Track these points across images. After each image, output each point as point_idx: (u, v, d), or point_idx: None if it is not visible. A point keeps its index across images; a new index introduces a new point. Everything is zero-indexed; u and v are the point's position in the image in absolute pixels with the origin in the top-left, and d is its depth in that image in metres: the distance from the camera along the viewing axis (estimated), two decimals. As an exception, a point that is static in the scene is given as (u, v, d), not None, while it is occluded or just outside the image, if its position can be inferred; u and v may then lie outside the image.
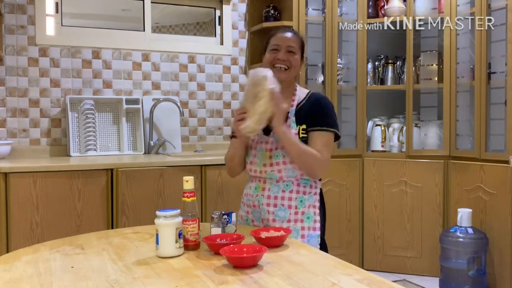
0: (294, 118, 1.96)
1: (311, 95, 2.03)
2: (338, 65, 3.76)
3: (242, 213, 2.09)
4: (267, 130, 1.95)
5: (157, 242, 1.55)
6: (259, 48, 3.58)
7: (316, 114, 1.96)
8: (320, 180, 2.04)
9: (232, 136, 2.09)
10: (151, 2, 3.71)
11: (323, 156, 1.91)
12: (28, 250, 1.66)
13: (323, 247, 1.99)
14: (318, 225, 1.98)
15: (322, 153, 1.91)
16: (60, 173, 2.82)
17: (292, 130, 1.93)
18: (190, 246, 1.61)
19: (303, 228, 1.95)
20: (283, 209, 1.95)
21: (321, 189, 2.06)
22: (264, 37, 2.12)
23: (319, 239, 1.98)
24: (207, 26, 4.06)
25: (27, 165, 2.83)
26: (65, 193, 2.81)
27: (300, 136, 1.93)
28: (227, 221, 1.81)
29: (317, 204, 2.00)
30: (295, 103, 1.99)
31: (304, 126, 1.95)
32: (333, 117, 2.00)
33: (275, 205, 1.95)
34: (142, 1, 3.69)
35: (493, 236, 3.26)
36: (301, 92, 2.04)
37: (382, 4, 3.78)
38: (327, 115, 1.98)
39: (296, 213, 1.95)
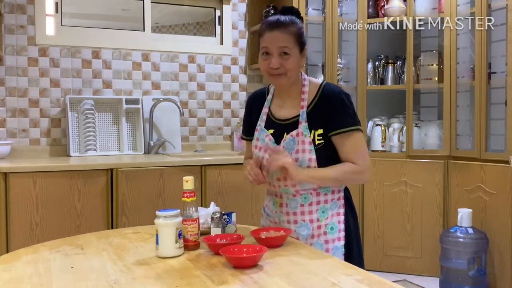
0: (306, 124, 1.73)
1: (324, 90, 1.77)
2: (338, 65, 3.76)
3: (264, 224, 1.92)
4: (278, 140, 1.77)
5: (157, 242, 1.55)
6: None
7: (334, 116, 1.73)
8: None
9: (244, 138, 1.97)
10: (151, 2, 3.70)
11: (361, 162, 1.72)
12: (28, 250, 1.66)
13: (351, 256, 1.77)
14: (342, 234, 1.77)
15: (358, 160, 1.71)
16: (60, 173, 2.82)
17: (305, 139, 1.71)
18: (190, 246, 1.61)
19: (326, 242, 1.76)
20: (304, 225, 1.77)
21: (347, 189, 1.85)
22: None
23: (344, 249, 1.77)
24: (207, 26, 4.05)
25: (27, 165, 2.83)
26: (65, 193, 2.81)
27: (316, 143, 1.71)
28: (227, 221, 1.81)
29: (342, 210, 1.79)
30: (305, 103, 1.75)
31: (320, 131, 1.72)
32: (353, 112, 1.75)
33: (295, 222, 1.77)
34: (142, 1, 3.69)
35: (493, 236, 3.26)
36: (312, 87, 1.79)
37: (382, 4, 3.78)
38: (347, 113, 1.73)
39: (319, 227, 1.76)
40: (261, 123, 1.84)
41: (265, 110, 1.85)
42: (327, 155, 1.73)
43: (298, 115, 1.75)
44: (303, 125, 1.73)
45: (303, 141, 1.72)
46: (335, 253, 1.75)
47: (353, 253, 1.79)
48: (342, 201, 1.81)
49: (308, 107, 1.76)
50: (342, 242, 1.77)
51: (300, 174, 1.68)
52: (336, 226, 1.77)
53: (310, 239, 1.76)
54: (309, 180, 1.71)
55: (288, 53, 1.70)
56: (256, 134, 1.84)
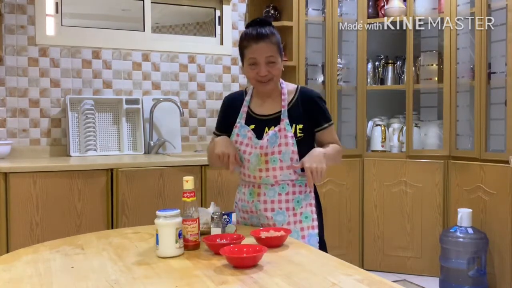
0: (287, 120, 1.92)
1: (301, 91, 2.00)
2: (338, 65, 3.76)
3: (238, 219, 2.03)
4: (259, 134, 1.94)
5: (157, 242, 1.55)
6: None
7: (316, 113, 1.97)
8: None
9: (215, 134, 2.10)
10: (151, 2, 3.70)
11: (339, 143, 2.05)
12: (28, 250, 1.66)
13: (322, 244, 1.99)
14: (316, 223, 1.97)
15: (338, 142, 2.04)
16: (60, 173, 2.82)
17: (288, 133, 1.90)
18: (190, 246, 1.61)
19: (302, 229, 1.94)
20: (281, 213, 1.92)
21: (315, 186, 2.04)
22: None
23: (318, 237, 1.97)
24: (207, 26, 4.05)
25: (27, 165, 2.83)
26: (65, 193, 2.81)
27: (298, 136, 1.92)
28: (227, 221, 1.81)
29: (313, 202, 1.98)
30: (286, 102, 1.96)
31: (300, 126, 1.92)
32: (327, 109, 2.04)
33: (272, 210, 1.93)
34: (142, 1, 3.69)
35: (493, 236, 3.26)
36: (289, 88, 2.01)
37: (382, 4, 3.78)
38: (325, 110, 2.01)
39: (294, 214, 1.94)
40: (241, 120, 1.99)
41: (244, 109, 2.01)
42: (307, 147, 1.94)
43: (279, 112, 1.95)
44: (285, 122, 1.92)
45: (286, 135, 1.90)
46: (310, 240, 1.93)
47: (323, 245, 1.99)
48: (313, 195, 2.00)
49: (288, 105, 1.96)
50: (316, 231, 1.96)
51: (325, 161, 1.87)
52: (310, 215, 1.96)
53: (286, 225, 1.91)
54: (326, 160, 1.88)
55: (274, 61, 1.90)
56: (235, 130, 1.98)
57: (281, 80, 2.02)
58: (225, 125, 2.04)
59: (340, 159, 2.05)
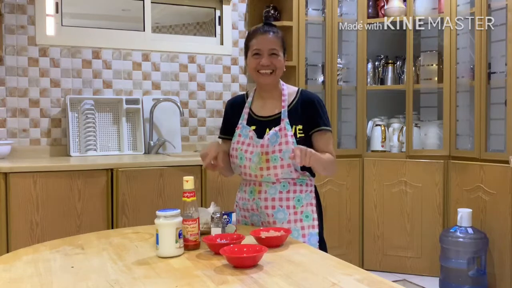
0: (287, 120, 1.94)
1: (302, 94, 2.02)
2: (338, 65, 3.76)
3: (238, 218, 2.05)
4: (260, 135, 1.96)
5: (157, 242, 1.56)
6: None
7: (315, 115, 1.98)
8: (314, 176, 2.04)
9: (221, 137, 2.13)
10: (151, 2, 3.70)
11: (334, 155, 2.00)
12: (28, 250, 1.66)
13: (322, 244, 2.00)
14: (316, 222, 1.98)
15: (333, 153, 1.99)
16: (60, 173, 2.82)
17: (288, 132, 1.92)
18: (190, 246, 1.61)
19: (303, 228, 1.95)
20: (281, 210, 1.94)
21: (315, 186, 2.05)
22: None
23: (318, 236, 1.98)
24: (207, 26, 4.06)
25: (27, 165, 2.83)
26: (65, 193, 2.81)
27: (298, 136, 1.93)
28: (227, 221, 1.81)
29: (314, 201, 2.00)
30: (286, 103, 1.99)
31: (300, 126, 1.95)
32: (327, 115, 2.04)
33: (273, 207, 1.94)
34: (142, 1, 3.69)
35: (493, 236, 3.26)
36: (290, 91, 2.04)
37: (382, 4, 3.78)
38: (324, 114, 2.00)
39: (295, 213, 1.95)
40: (242, 121, 2.02)
41: (246, 110, 2.05)
42: (307, 147, 1.89)
43: (279, 113, 1.98)
44: (285, 121, 1.95)
45: (286, 135, 1.92)
46: (311, 239, 1.95)
47: (323, 244, 2.01)
48: (313, 195, 2.02)
49: (288, 106, 1.99)
50: (317, 230, 1.98)
51: (310, 159, 1.80)
52: (311, 214, 1.98)
53: (286, 224, 1.93)
54: (314, 157, 1.82)
55: (276, 54, 1.96)
56: (237, 131, 2.02)
57: (282, 82, 2.05)
58: (228, 128, 2.08)
59: (332, 170, 2.03)
